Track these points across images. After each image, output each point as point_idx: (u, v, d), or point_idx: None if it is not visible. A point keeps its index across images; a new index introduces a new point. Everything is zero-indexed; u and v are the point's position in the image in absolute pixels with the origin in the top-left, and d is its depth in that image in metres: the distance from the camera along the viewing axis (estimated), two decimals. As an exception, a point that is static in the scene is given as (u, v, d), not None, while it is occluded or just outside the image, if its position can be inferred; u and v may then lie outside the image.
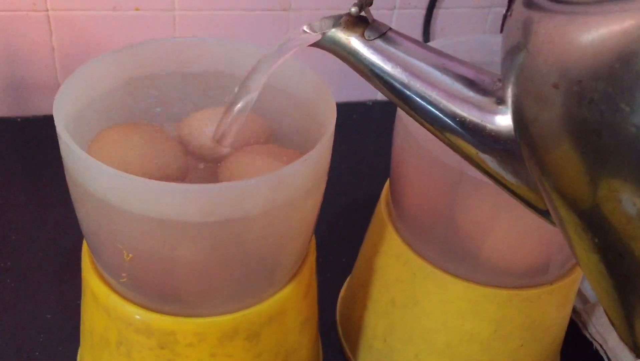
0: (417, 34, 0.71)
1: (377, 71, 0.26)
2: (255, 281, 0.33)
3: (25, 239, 0.51)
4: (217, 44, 0.36)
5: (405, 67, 0.26)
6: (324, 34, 0.28)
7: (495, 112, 0.23)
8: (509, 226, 0.34)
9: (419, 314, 0.38)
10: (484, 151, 0.24)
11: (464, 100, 0.24)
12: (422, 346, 0.39)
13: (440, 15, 0.72)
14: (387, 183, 0.42)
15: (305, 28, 0.29)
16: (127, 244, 0.29)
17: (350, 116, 0.72)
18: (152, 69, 0.35)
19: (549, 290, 0.37)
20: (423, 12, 0.70)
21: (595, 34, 0.18)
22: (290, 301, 0.35)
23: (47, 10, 0.60)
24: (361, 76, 0.28)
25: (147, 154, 0.34)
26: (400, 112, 0.37)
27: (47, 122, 0.64)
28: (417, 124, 0.35)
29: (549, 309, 0.38)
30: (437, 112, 0.25)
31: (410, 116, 0.27)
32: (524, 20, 0.21)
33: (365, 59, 0.27)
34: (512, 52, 0.21)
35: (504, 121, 0.23)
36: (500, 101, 0.23)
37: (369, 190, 0.61)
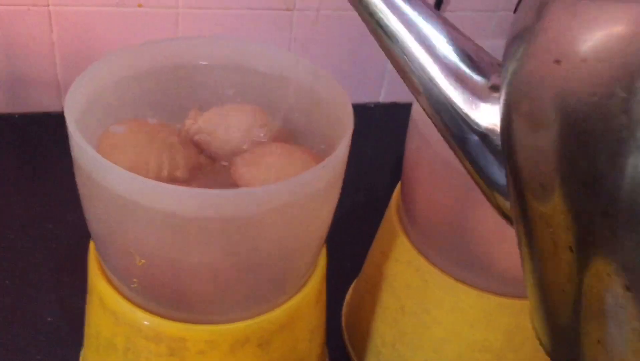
0: (422, 37, 0.70)
1: (379, 15, 0.23)
2: (268, 287, 0.32)
3: (24, 239, 0.50)
4: (224, 41, 0.36)
5: (409, 20, 0.23)
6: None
7: (485, 98, 0.21)
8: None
9: (429, 322, 0.38)
10: (460, 133, 0.22)
11: (457, 73, 0.22)
12: (432, 355, 0.39)
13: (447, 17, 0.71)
14: (398, 187, 0.41)
15: None
16: (139, 249, 0.28)
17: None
18: (159, 65, 0.34)
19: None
20: (428, 14, 0.70)
21: (607, 14, 0.17)
22: (302, 309, 0.34)
23: (48, 5, 0.59)
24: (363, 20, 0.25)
25: (157, 151, 0.33)
26: (415, 117, 0.36)
27: (46, 119, 0.63)
28: (432, 128, 0.34)
29: (561, 319, 0.37)
30: (426, 78, 0.23)
31: (400, 73, 0.24)
32: (536, 5, 0.20)
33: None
34: (516, 37, 0.20)
35: (490, 111, 0.21)
36: (494, 88, 0.21)
37: (373, 193, 0.60)
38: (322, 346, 0.40)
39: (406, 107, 0.37)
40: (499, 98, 0.20)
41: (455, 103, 0.22)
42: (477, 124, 0.22)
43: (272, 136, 0.36)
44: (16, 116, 0.63)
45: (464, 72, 0.22)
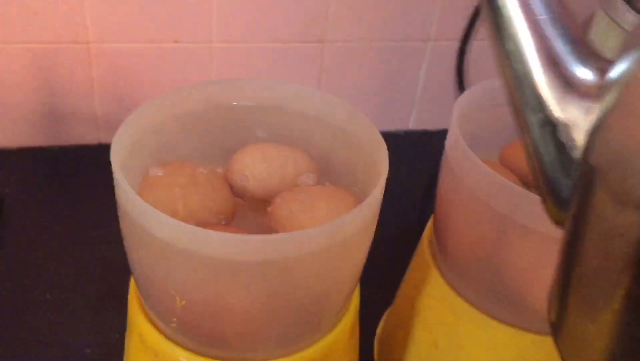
0: (451, 67, 0.71)
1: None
2: (303, 327, 0.33)
3: (65, 271, 0.51)
4: (258, 83, 0.37)
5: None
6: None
7: (583, 90, 0.18)
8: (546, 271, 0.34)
9: (462, 358, 0.38)
10: (540, 118, 0.19)
11: (560, 57, 0.19)
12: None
13: (475, 47, 0.72)
14: (431, 221, 0.42)
15: None
16: (179, 291, 0.29)
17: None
18: (199, 107, 0.36)
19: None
20: (457, 44, 0.70)
21: None
22: (335, 346, 0.35)
23: (88, 42, 0.61)
24: None
25: (195, 195, 0.34)
26: (448, 153, 0.37)
27: (85, 152, 0.65)
28: (465, 166, 0.35)
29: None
30: (520, 55, 0.20)
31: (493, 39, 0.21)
32: None
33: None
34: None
35: (585, 106, 0.18)
36: (599, 87, 0.18)
37: (404, 222, 0.60)
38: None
39: (435, 135, 0.38)
40: (601, 97, 0.18)
41: (547, 84, 0.19)
42: (563, 112, 0.19)
43: (315, 178, 0.36)
44: (56, 148, 0.65)
45: (567, 58, 0.19)
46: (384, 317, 0.48)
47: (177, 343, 0.32)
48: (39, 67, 0.61)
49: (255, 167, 0.36)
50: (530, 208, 0.31)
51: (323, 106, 0.37)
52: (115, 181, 0.29)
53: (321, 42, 0.67)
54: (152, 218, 0.27)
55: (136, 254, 0.31)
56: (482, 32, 0.70)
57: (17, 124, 0.64)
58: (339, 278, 0.31)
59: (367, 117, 0.35)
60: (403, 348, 0.42)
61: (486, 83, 0.39)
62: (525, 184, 0.40)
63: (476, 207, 0.35)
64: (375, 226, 0.32)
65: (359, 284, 0.37)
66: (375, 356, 0.47)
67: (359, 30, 0.67)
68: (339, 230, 0.28)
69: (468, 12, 0.68)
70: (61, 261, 0.52)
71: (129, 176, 0.29)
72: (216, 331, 0.31)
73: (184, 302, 0.29)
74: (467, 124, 0.40)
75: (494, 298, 0.36)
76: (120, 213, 0.30)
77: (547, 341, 0.35)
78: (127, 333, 0.37)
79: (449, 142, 0.36)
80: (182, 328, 0.32)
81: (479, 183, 0.34)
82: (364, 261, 0.33)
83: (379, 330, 0.48)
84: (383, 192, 0.31)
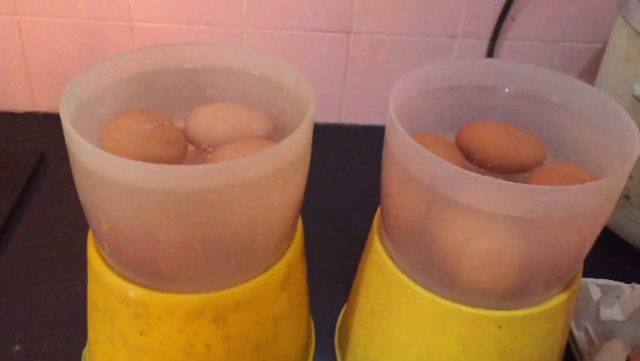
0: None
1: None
2: (225, 263, 0.35)
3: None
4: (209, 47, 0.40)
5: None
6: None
7: None
8: (477, 245, 0.34)
9: (393, 325, 0.39)
10: None
11: None
12: (396, 358, 0.39)
13: (505, 47, 0.71)
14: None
15: None
16: (104, 214, 0.33)
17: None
18: (157, 67, 0.39)
19: (520, 316, 0.36)
20: (486, 42, 0.70)
21: None
22: (261, 292, 0.37)
23: (131, 21, 0.67)
24: None
25: (153, 135, 0.37)
26: (387, 132, 0.38)
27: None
28: (395, 142, 0.36)
29: (524, 338, 0.37)
30: None
31: None
32: None
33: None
34: None
35: None
36: None
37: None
38: (296, 337, 0.42)
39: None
40: None
41: None
42: None
43: (260, 133, 0.39)
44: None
45: None
46: (344, 308, 0.49)
47: (113, 270, 0.36)
48: (86, 40, 0.68)
49: (218, 118, 0.39)
50: (454, 181, 0.32)
51: (263, 66, 0.39)
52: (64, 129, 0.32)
53: (348, 32, 0.69)
54: (79, 147, 0.31)
55: (78, 180, 0.34)
56: (515, 31, 0.70)
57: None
58: (259, 218, 0.34)
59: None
60: (351, 314, 0.44)
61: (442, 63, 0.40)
62: (479, 166, 0.40)
63: (406, 180, 0.36)
64: (303, 172, 0.35)
65: (298, 243, 0.39)
66: (338, 323, 0.48)
67: (387, 24, 0.69)
68: (265, 161, 0.31)
69: (497, 10, 0.68)
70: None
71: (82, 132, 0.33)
72: (139, 257, 0.34)
73: (107, 225, 0.33)
74: (422, 106, 0.41)
75: (421, 265, 0.37)
76: (68, 150, 0.34)
77: (465, 312, 0.36)
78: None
79: (387, 122, 0.37)
80: (111, 253, 0.35)
81: (407, 156, 0.35)
82: (292, 208, 0.35)
83: (339, 319, 0.49)
84: (311, 129, 0.34)
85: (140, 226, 0.33)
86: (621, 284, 0.48)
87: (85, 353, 0.44)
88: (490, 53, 0.71)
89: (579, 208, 0.32)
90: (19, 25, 0.66)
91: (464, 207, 0.33)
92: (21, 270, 0.51)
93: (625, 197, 0.55)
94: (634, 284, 0.48)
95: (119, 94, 0.38)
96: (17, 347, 0.45)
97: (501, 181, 0.31)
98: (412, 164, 0.35)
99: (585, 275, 0.45)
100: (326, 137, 0.74)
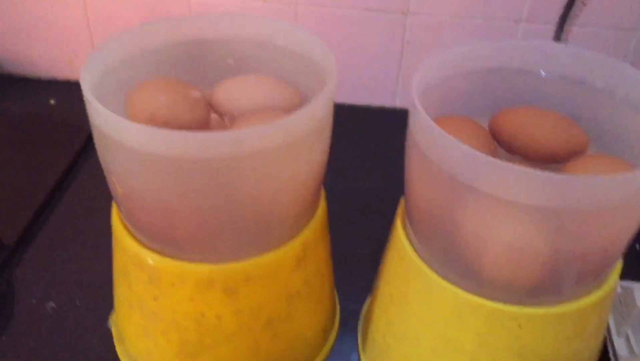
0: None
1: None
2: (236, 235, 0.35)
3: None
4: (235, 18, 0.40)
5: None
6: None
7: None
8: (499, 236, 0.33)
9: (409, 313, 0.38)
10: None
11: None
12: (411, 348, 0.38)
13: (574, 33, 0.67)
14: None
15: None
16: (118, 178, 0.33)
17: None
18: (182, 38, 0.39)
19: (542, 314, 0.34)
20: (553, 28, 0.66)
21: None
22: (274, 268, 0.36)
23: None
24: None
25: (177, 102, 0.37)
26: (410, 120, 0.36)
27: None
28: (417, 127, 0.34)
29: (545, 338, 0.35)
30: None
31: None
32: None
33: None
34: None
35: None
36: None
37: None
38: (312, 317, 0.41)
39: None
40: None
41: None
42: None
43: (286, 106, 0.38)
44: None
45: None
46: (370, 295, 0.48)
47: (132, 237, 0.37)
48: (147, 13, 0.69)
49: (243, 88, 0.39)
50: (473, 167, 0.30)
51: (289, 37, 0.39)
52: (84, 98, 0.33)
53: (404, 13, 0.67)
54: (97, 113, 0.31)
55: (99, 148, 0.35)
56: (581, 17, 0.65)
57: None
58: (275, 190, 0.33)
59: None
60: (374, 300, 0.43)
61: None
62: (512, 153, 0.38)
63: (427, 165, 0.34)
64: (324, 144, 0.34)
65: (320, 225, 0.39)
66: (363, 310, 0.47)
67: (445, 4, 0.66)
68: (275, 133, 0.31)
69: (564, -6, 0.64)
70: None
71: (105, 97, 0.33)
72: (152, 223, 0.35)
73: (121, 189, 0.33)
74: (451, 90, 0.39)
75: (443, 257, 0.35)
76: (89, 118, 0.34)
77: (482, 305, 0.34)
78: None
79: (411, 108, 0.35)
80: (126, 217, 0.36)
81: (427, 139, 0.33)
82: (313, 177, 0.35)
83: (365, 304, 0.48)
84: (329, 105, 0.33)
85: (151, 191, 0.33)
86: (673, 291, 0.44)
87: (112, 317, 0.45)
88: (557, 40, 0.67)
89: (608, 200, 0.30)
90: (83, -2, 0.69)
91: (484, 195, 0.32)
92: (64, 236, 0.53)
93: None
94: (687, 292, 0.44)
95: (144, 63, 0.38)
96: (51, 303, 0.47)
97: (521, 168, 0.29)
98: (432, 148, 0.33)
99: (630, 277, 0.42)
100: (379, 120, 0.72)
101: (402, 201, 0.41)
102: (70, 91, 0.72)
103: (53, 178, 0.57)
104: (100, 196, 0.56)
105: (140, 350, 0.40)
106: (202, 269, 0.35)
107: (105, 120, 0.31)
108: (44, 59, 0.74)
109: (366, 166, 0.65)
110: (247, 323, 0.37)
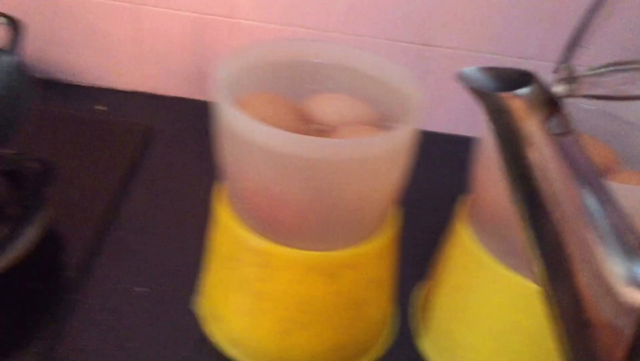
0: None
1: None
2: (337, 230, 0.41)
3: (195, 195, 0.60)
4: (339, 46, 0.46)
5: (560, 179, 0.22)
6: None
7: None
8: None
9: (476, 301, 0.44)
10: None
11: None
12: (475, 331, 0.45)
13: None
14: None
15: None
16: (243, 174, 0.39)
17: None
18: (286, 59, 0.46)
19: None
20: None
21: None
22: (361, 258, 0.43)
23: (233, 17, 0.74)
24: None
25: (278, 114, 0.43)
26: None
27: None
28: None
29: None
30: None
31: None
32: None
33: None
34: None
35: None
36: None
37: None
38: (382, 303, 0.47)
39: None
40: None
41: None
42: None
43: (370, 121, 0.45)
44: (202, 101, 0.77)
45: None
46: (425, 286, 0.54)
47: (248, 229, 0.42)
48: (194, 32, 0.75)
49: (332, 105, 0.45)
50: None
51: (375, 66, 0.45)
52: (216, 97, 0.39)
53: (428, 45, 0.75)
54: (241, 121, 0.37)
55: (223, 150, 0.40)
56: (582, 59, 0.75)
57: (173, 77, 0.78)
58: (367, 193, 0.40)
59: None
60: (432, 289, 0.49)
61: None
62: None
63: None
64: (407, 157, 0.41)
65: (398, 219, 0.45)
66: (411, 311, 0.53)
67: (466, 40, 0.74)
68: (369, 146, 0.37)
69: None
70: (192, 187, 0.63)
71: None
72: (268, 217, 0.40)
73: (244, 184, 0.39)
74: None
75: (509, 251, 0.42)
76: (216, 120, 0.40)
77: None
78: (212, 224, 0.47)
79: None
80: (241, 209, 0.42)
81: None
82: (396, 186, 0.42)
83: (421, 295, 0.54)
84: (416, 124, 0.40)
85: (271, 186, 0.39)
86: None
87: (198, 298, 0.50)
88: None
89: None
90: (137, 14, 0.73)
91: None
92: (136, 230, 0.57)
93: None
94: None
95: (254, 74, 0.45)
96: (136, 288, 0.51)
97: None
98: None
99: None
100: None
101: (463, 205, 0.48)
102: (116, 97, 0.77)
103: (117, 175, 0.61)
104: (162, 193, 0.61)
105: (239, 328, 0.45)
106: (308, 255, 0.41)
107: (242, 124, 0.37)
108: (90, 67, 0.78)
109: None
110: (340, 304, 0.43)
